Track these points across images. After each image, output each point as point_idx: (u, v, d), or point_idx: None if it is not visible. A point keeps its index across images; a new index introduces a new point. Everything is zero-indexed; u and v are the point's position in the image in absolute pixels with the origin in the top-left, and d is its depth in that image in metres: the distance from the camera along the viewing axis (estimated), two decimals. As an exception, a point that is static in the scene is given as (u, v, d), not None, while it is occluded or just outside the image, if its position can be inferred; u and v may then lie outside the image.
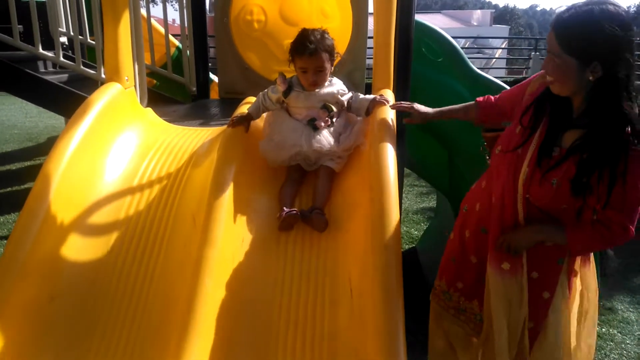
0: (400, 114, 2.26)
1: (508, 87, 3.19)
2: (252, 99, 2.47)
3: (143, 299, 1.94)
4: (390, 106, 2.22)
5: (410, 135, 2.80)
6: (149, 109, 2.74)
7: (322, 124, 2.26)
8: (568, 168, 1.62)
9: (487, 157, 2.07)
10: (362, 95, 2.34)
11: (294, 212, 2.11)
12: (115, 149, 2.33)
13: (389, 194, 1.88)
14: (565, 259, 1.78)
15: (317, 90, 2.26)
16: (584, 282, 1.88)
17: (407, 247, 4.00)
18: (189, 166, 2.37)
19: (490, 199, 1.84)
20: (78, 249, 2.00)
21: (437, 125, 3.17)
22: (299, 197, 2.28)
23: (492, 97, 2.04)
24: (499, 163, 1.80)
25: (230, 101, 3.61)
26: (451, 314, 2.03)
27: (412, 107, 2.15)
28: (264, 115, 2.42)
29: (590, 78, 1.55)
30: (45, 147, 7.07)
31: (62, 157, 2.00)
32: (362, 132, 2.29)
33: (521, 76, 14.94)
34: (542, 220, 1.74)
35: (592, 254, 1.91)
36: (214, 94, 4.46)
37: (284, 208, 2.13)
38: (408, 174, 5.73)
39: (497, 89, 3.20)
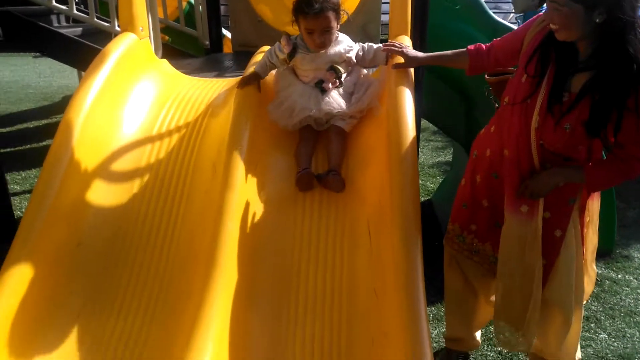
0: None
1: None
2: (267, 48, 2.44)
3: (167, 244, 2.00)
4: (382, 49, 2.19)
5: (427, 86, 2.77)
6: (164, 60, 2.74)
7: (330, 85, 2.19)
8: (580, 111, 1.64)
9: (494, 101, 2.09)
10: (375, 45, 2.27)
11: (308, 170, 2.10)
12: (133, 99, 2.34)
13: (406, 137, 1.89)
14: (576, 199, 1.82)
15: (323, 51, 2.18)
16: (591, 214, 1.96)
17: (422, 199, 4.02)
18: (207, 116, 2.38)
19: (501, 144, 1.86)
20: (102, 197, 2.04)
21: (454, 75, 3.13)
22: (315, 157, 2.24)
23: (484, 46, 2.00)
24: (510, 115, 1.81)
25: (243, 54, 3.59)
26: (465, 255, 2.07)
27: (402, 52, 2.13)
28: (273, 73, 2.36)
29: (597, 20, 1.54)
30: (60, 105, 7.10)
31: (83, 106, 2.02)
32: (376, 96, 2.22)
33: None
34: (558, 164, 1.76)
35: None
36: (226, 49, 4.43)
37: (302, 168, 2.11)
38: (424, 128, 5.69)
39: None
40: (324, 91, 2.18)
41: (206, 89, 2.61)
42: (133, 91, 2.35)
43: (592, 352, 2.39)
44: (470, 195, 2.02)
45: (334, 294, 1.85)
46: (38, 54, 11.06)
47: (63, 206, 1.88)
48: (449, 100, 3.20)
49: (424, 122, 5.63)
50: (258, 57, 2.41)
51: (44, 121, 6.34)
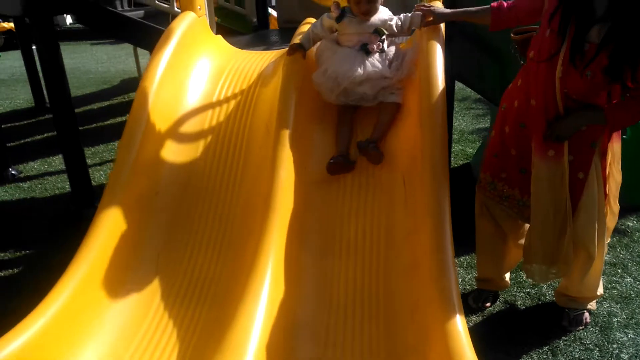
0: (455, 27, 2.43)
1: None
2: (312, 20, 2.69)
3: (229, 194, 2.32)
4: (414, 10, 2.37)
5: (462, 50, 2.94)
6: (219, 36, 3.04)
7: (375, 47, 2.33)
8: (600, 60, 1.79)
9: (519, 58, 2.25)
10: (409, 15, 2.43)
11: (339, 159, 2.25)
12: (196, 70, 2.66)
13: (436, 90, 2.11)
14: (597, 142, 2.00)
15: (368, 19, 2.35)
16: (614, 155, 2.13)
17: (461, 162, 4.20)
18: (258, 84, 2.68)
19: (527, 96, 2.02)
20: (174, 153, 2.38)
21: (488, 38, 3.28)
22: (355, 135, 2.40)
23: (505, 3, 2.14)
24: (536, 68, 1.95)
25: (288, 30, 3.84)
26: (496, 201, 2.28)
27: (430, 10, 2.32)
28: (316, 48, 2.50)
29: None
30: (119, 88, 7.61)
31: (155, 75, 2.35)
32: (414, 63, 2.38)
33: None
34: (581, 108, 1.93)
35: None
36: (272, 26, 4.71)
37: (336, 153, 2.29)
38: (465, 97, 5.82)
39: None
40: (368, 52, 2.32)
41: (257, 61, 2.90)
42: (195, 63, 2.68)
43: (616, 293, 2.57)
44: (500, 145, 2.19)
45: (373, 235, 2.13)
46: (96, 42, 11.73)
47: (143, 160, 2.22)
48: (484, 63, 3.35)
49: (466, 92, 5.78)
50: (304, 28, 2.67)
51: (106, 103, 6.85)
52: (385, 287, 2.02)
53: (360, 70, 2.29)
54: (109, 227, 2.04)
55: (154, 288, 2.10)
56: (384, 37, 2.37)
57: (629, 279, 2.67)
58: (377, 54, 2.35)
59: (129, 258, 2.12)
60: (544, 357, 2.21)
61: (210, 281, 2.14)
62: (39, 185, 4.15)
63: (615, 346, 2.26)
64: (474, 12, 2.27)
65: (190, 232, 2.28)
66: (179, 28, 2.59)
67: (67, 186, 4.05)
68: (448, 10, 2.34)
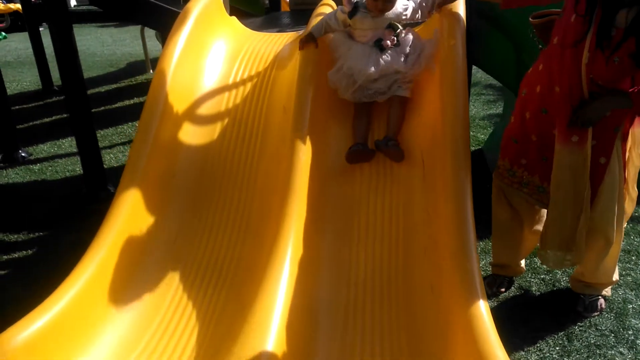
0: (471, 8, 2.40)
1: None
2: (330, 1, 2.66)
3: (247, 175, 2.32)
4: None
5: (477, 32, 2.91)
6: (234, 17, 3.01)
7: (389, 43, 2.28)
8: (628, 45, 1.78)
9: (538, 43, 2.23)
10: None
11: (359, 147, 2.23)
12: (212, 52, 2.65)
13: (458, 73, 2.10)
14: (620, 127, 1.99)
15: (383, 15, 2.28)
16: (635, 140, 2.11)
17: (473, 149, 4.19)
18: (275, 67, 2.66)
19: (550, 81, 1.98)
20: (191, 135, 2.38)
21: (504, 20, 3.25)
22: (373, 126, 2.38)
23: None
24: (560, 54, 1.91)
25: (300, 12, 3.82)
26: (515, 188, 2.26)
27: None
28: (330, 41, 2.44)
29: None
30: (126, 71, 7.57)
31: (173, 57, 2.34)
32: (432, 57, 2.33)
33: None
34: (607, 93, 1.90)
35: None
36: (283, 8, 4.67)
37: (355, 142, 2.27)
38: (476, 82, 5.77)
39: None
40: (383, 49, 2.27)
41: (272, 43, 2.88)
42: (211, 45, 2.66)
43: (630, 280, 2.57)
44: (520, 131, 2.15)
45: (392, 215, 2.13)
46: (101, 24, 11.66)
47: (161, 142, 2.21)
48: (499, 46, 3.32)
49: (476, 77, 5.74)
50: (322, 9, 2.64)
51: (114, 85, 6.82)
52: (405, 268, 2.02)
53: (374, 69, 2.26)
54: (128, 209, 2.03)
55: (172, 271, 2.11)
56: (398, 30, 2.32)
57: (643, 266, 2.67)
58: (392, 49, 2.31)
59: (147, 241, 2.12)
60: (560, 342, 2.22)
61: (229, 264, 2.15)
62: (50, 168, 4.14)
63: (630, 332, 2.27)
64: None
65: (207, 215, 2.28)
66: (195, 9, 2.56)
67: (77, 168, 4.05)
68: None
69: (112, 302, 1.86)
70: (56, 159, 4.33)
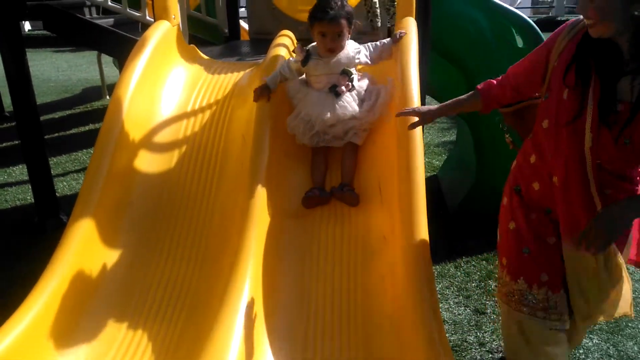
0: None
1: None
2: (288, 32, 2.72)
3: (205, 203, 2.30)
4: (396, 115, 2.02)
5: (431, 63, 3.02)
6: (193, 46, 3.03)
7: (344, 88, 2.30)
8: (638, 122, 1.44)
9: (507, 134, 2.00)
10: (379, 43, 2.43)
11: (316, 192, 2.24)
12: (170, 79, 2.64)
13: (412, 103, 2.16)
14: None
15: (334, 56, 2.29)
16: None
17: (429, 175, 4.29)
18: (234, 95, 2.68)
19: (549, 177, 1.65)
20: (148, 163, 2.35)
21: (455, 51, 3.40)
22: (330, 170, 2.38)
23: (494, 80, 1.80)
24: (554, 138, 1.60)
25: (260, 41, 3.86)
26: (539, 317, 1.69)
27: (415, 111, 1.93)
28: (287, 89, 2.44)
29: (636, 13, 1.38)
30: (81, 97, 7.43)
31: (129, 84, 2.32)
32: (387, 105, 2.34)
33: (544, 16, 14.70)
34: (614, 185, 1.56)
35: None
36: (244, 36, 4.71)
37: (312, 186, 2.28)
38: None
39: (515, 19, 3.38)
40: (338, 95, 2.29)
41: (231, 71, 2.90)
42: (170, 72, 2.65)
43: (581, 300, 2.67)
44: (530, 238, 1.70)
45: (350, 240, 2.15)
46: (56, 49, 11.43)
47: (117, 169, 2.18)
48: (452, 77, 3.46)
49: (431, 104, 5.92)
50: (280, 40, 2.70)
51: (68, 112, 6.68)
52: (364, 296, 2.03)
53: (330, 114, 2.28)
54: (80, 238, 1.98)
55: (128, 299, 2.05)
56: (352, 76, 2.34)
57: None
58: (348, 94, 2.32)
59: (101, 271, 2.06)
60: (515, 363, 2.27)
61: (186, 294, 2.11)
62: (-1, 196, 4.00)
63: (581, 351, 2.35)
64: (463, 100, 1.86)
65: (164, 244, 2.24)
66: (154, 37, 2.56)
67: (28, 197, 3.92)
68: (434, 107, 1.92)
69: (66, 330, 1.81)
70: (6, 187, 4.19)
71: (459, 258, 3.06)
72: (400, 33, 2.44)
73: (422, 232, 1.86)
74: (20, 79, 3.13)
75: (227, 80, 2.81)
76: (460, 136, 4.24)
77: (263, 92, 2.33)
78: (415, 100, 2.23)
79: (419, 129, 2.04)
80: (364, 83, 2.40)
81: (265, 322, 1.84)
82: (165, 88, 2.59)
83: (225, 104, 2.64)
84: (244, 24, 4.95)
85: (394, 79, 2.37)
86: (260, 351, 1.75)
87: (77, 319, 1.89)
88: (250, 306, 1.76)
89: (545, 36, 3.43)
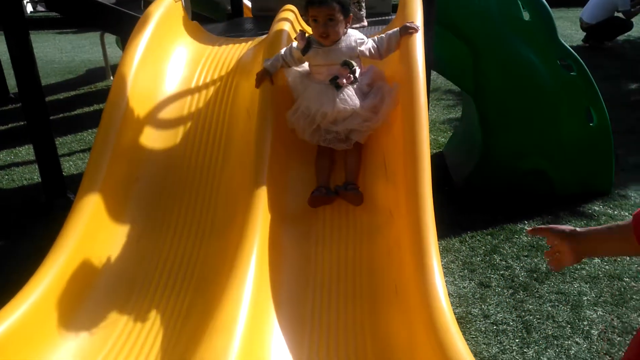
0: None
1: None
2: (292, 7, 2.69)
3: (211, 178, 2.32)
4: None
5: (437, 37, 3.00)
6: (196, 23, 3.01)
7: (345, 81, 2.21)
8: None
9: None
10: (384, 35, 2.30)
11: (322, 191, 2.19)
12: (174, 56, 2.64)
13: (417, 80, 2.14)
14: None
15: (334, 45, 2.22)
16: None
17: (434, 152, 4.28)
18: (237, 71, 2.67)
19: None
20: (153, 139, 2.36)
21: (461, 26, 3.36)
22: (335, 169, 2.32)
23: None
24: None
25: (262, 18, 3.83)
26: None
27: (558, 232, 1.33)
28: (288, 81, 2.36)
29: None
30: (85, 78, 7.41)
31: (133, 61, 2.32)
32: (393, 107, 2.22)
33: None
34: None
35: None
36: (246, 13, 4.68)
37: (317, 185, 2.22)
38: (436, 88, 5.91)
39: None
40: (339, 87, 2.20)
41: (234, 48, 2.89)
42: (173, 49, 2.65)
43: (585, 274, 2.69)
44: None
45: (356, 214, 2.16)
46: (59, 31, 11.38)
47: (123, 145, 2.19)
48: (457, 51, 3.43)
49: (436, 83, 5.88)
50: (283, 14, 2.67)
51: (72, 92, 6.67)
52: (370, 269, 2.05)
53: (330, 108, 2.19)
54: (89, 213, 2.00)
55: (136, 274, 2.08)
56: (354, 68, 2.24)
57: (596, 260, 2.79)
58: (349, 87, 2.23)
59: (110, 243, 2.09)
60: (519, 334, 2.30)
61: (194, 265, 2.13)
62: (6, 177, 4.03)
63: (585, 323, 2.37)
64: (611, 234, 1.28)
65: (171, 218, 2.26)
66: (156, 13, 2.55)
67: (35, 177, 3.95)
68: (581, 233, 1.31)
69: (74, 306, 1.83)
70: (13, 168, 4.21)
71: (464, 233, 3.07)
72: (410, 27, 2.28)
73: (428, 206, 1.87)
74: (25, 61, 3.13)
75: (230, 55, 2.80)
76: (466, 113, 4.22)
77: (264, 77, 2.29)
78: (421, 76, 2.20)
79: (423, 96, 2.06)
80: (368, 77, 2.31)
81: (272, 294, 1.86)
82: (168, 65, 2.59)
83: (230, 80, 2.63)
84: (246, 1, 4.91)
85: (399, 85, 2.22)
86: (268, 321, 1.78)
87: (86, 293, 1.91)
88: (258, 278, 1.78)
89: (552, 10, 3.41)
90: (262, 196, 2.01)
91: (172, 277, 2.09)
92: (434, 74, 4.16)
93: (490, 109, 3.40)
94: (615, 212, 3.24)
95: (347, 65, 2.23)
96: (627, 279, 2.64)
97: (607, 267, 2.74)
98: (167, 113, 2.45)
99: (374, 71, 2.34)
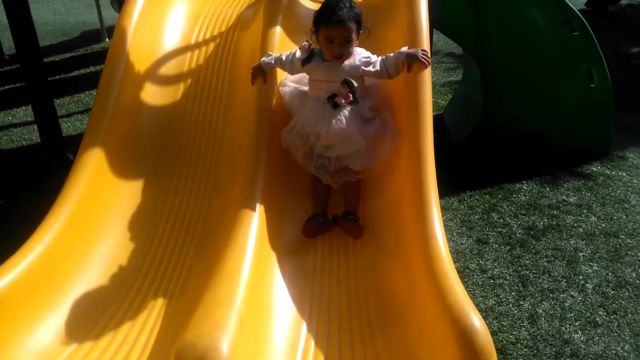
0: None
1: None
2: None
3: (213, 134, 2.33)
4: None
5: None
6: (194, -22, 2.95)
7: (343, 100, 2.03)
8: None
9: None
10: (394, 55, 2.08)
11: (318, 220, 2.05)
12: (173, 12, 2.61)
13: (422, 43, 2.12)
14: None
15: (340, 63, 2.05)
16: None
17: (434, 113, 4.27)
18: (237, 28, 2.64)
19: None
20: (154, 96, 2.35)
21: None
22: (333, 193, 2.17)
23: None
24: None
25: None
26: None
27: None
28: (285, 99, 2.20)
29: None
30: (80, 40, 7.30)
31: (132, 16, 2.29)
32: (394, 148, 2.07)
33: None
34: None
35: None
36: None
37: (313, 213, 2.08)
38: (437, 51, 5.85)
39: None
40: (336, 106, 2.03)
41: (234, 5, 2.85)
42: (172, 5, 2.61)
43: (582, 231, 2.73)
44: None
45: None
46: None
47: (124, 102, 2.19)
48: (460, 10, 3.38)
49: (436, 46, 5.82)
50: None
51: (68, 54, 6.58)
52: (371, 223, 2.08)
53: (325, 128, 2.02)
54: (92, 168, 2.01)
55: (139, 229, 2.11)
56: (354, 88, 2.05)
57: (593, 218, 2.83)
58: (347, 108, 2.05)
59: (112, 200, 2.11)
60: (515, 288, 2.35)
61: (197, 220, 2.16)
62: (5, 137, 4.02)
63: (581, 277, 2.42)
64: None
65: (174, 173, 2.29)
66: (155, -33, 2.50)
67: (34, 137, 3.94)
68: None
69: (80, 257, 1.86)
70: (11, 128, 4.20)
71: (462, 192, 3.09)
72: (422, 57, 2.07)
73: (429, 159, 1.88)
74: (22, 20, 3.09)
75: (230, 11, 2.77)
76: (467, 74, 4.20)
77: (257, 74, 2.16)
78: (424, 35, 2.18)
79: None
80: (371, 101, 2.13)
81: (275, 246, 1.89)
82: (168, 20, 2.56)
83: (229, 37, 2.61)
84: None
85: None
86: (271, 271, 1.82)
87: (90, 248, 1.93)
88: (261, 230, 1.81)
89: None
90: (263, 154, 2.02)
91: (176, 231, 2.12)
92: (434, 37, 4.12)
93: (492, 69, 3.37)
94: (613, 173, 3.26)
95: (348, 85, 2.04)
96: (623, 236, 2.69)
97: (604, 224, 2.78)
98: (167, 69, 2.44)
99: (379, 96, 2.17)
